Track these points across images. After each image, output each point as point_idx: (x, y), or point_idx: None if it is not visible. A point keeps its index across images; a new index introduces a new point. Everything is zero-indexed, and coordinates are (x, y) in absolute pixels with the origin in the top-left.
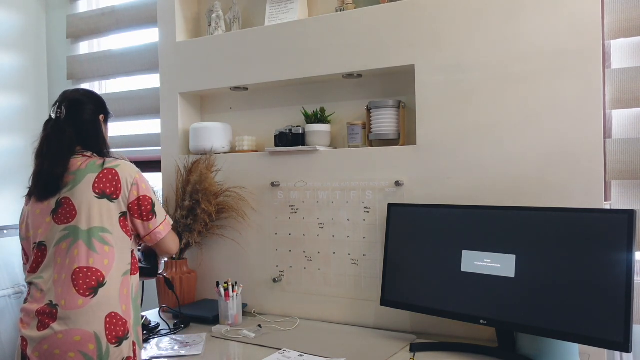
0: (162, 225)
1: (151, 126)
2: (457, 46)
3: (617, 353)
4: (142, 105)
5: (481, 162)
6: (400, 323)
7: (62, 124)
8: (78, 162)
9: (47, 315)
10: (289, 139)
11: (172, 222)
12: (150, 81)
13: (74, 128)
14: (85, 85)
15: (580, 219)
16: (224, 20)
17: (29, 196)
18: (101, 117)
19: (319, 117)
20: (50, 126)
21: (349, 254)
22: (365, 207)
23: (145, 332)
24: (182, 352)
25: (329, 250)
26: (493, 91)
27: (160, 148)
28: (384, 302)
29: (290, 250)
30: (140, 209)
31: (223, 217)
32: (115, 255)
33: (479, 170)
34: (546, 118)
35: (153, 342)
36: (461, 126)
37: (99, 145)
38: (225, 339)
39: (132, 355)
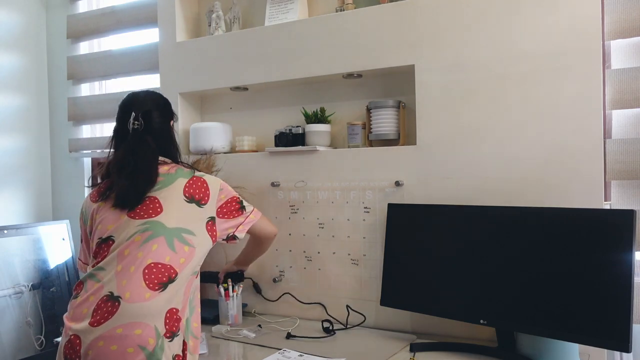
0: (252, 214)
1: None
2: (457, 46)
3: (617, 353)
4: None
5: (481, 162)
6: (400, 323)
7: (143, 135)
8: (165, 167)
9: (105, 309)
10: (289, 139)
11: (260, 213)
12: (150, 81)
13: (153, 138)
14: (85, 85)
15: (580, 219)
16: (224, 20)
17: (104, 195)
18: (172, 122)
19: (319, 117)
20: (130, 139)
21: (349, 254)
22: (365, 207)
23: None
24: None
25: (329, 250)
26: (493, 91)
27: None
28: (384, 302)
29: (290, 250)
30: (230, 209)
31: None
32: (194, 256)
33: (479, 170)
34: (546, 118)
35: None
36: (461, 126)
37: (175, 153)
38: (225, 339)
39: (181, 354)
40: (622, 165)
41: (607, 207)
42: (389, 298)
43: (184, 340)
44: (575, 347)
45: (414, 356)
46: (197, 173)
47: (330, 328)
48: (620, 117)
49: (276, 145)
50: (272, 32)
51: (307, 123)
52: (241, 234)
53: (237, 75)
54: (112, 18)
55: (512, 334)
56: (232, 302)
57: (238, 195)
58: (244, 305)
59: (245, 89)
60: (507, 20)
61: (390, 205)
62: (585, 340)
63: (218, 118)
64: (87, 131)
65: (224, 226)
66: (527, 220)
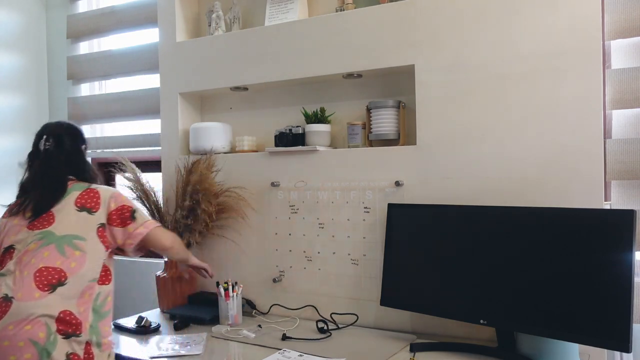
0: (141, 227)
1: (151, 126)
2: (457, 46)
3: (617, 353)
4: (142, 105)
5: (481, 162)
6: (400, 323)
7: (53, 154)
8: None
9: (0, 310)
10: (289, 139)
11: (156, 225)
12: (150, 81)
13: (64, 157)
14: (85, 85)
15: (580, 219)
16: (224, 20)
17: (12, 211)
18: (83, 146)
19: (319, 117)
20: (42, 157)
21: (349, 254)
22: (365, 207)
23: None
24: (182, 352)
25: (329, 250)
26: (493, 91)
27: (160, 148)
28: (384, 302)
29: (290, 250)
30: (120, 217)
31: (223, 217)
32: (85, 261)
33: (479, 170)
34: (546, 118)
35: (153, 341)
36: (461, 126)
37: (86, 174)
38: (225, 339)
39: (81, 355)
40: (622, 165)
41: (607, 207)
42: (389, 298)
43: (87, 342)
44: (575, 347)
45: (414, 356)
46: (93, 186)
47: (325, 328)
48: (620, 117)
49: (276, 145)
50: (272, 32)
51: (307, 123)
52: (129, 247)
53: (237, 75)
54: (112, 18)
55: (512, 334)
56: (232, 302)
57: (132, 206)
58: (249, 303)
59: (245, 89)
60: (507, 20)
61: (390, 205)
62: (585, 340)
63: (218, 118)
64: (87, 131)
65: (118, 235)
66: (527, 220)
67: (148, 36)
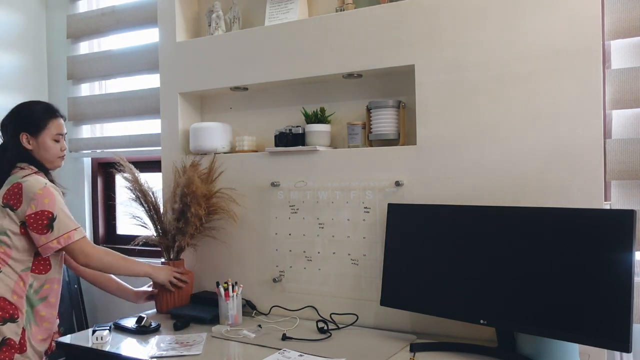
0: (55, 240)
1: (151, 126)
2: (457, 46)
3: (617, 353)
4: (142, 105)
5: (481, 162)
6: (400, 323)
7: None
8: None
9: None
10: (289, 139)
11: (76, 238)
12: (150, 81)
13: (3, 151)
14: (85, 85)
15: (580, 219)
16: (224, 20)
17: None
18: (22, 136)
19: (319, 117)
20: None
21: (349, 254)
22: (365, 207)
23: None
24: (182, 352)
25: (329, 250)
26: (493, 91)
27: (160, 148)
28: (384, 302)
29: (290, 250)
30: (37, 222)
31: (216, 218)
32: (11, 254)
33: (479, 170)
34: (546, 118)
35: (153, 341)
36: (461, 126)
37: (32, 163)
38: (225, 339)
39: (16, 340)
40: (622, 165)
41: (607, 207)
42: (389, 298)
43: (23, 328)
44: (575, 347)
45: (414, 356)
46: (20, 179)
47: (325, 328)
48: (620, 117)
49: (276, 145)
50: (272, 32)
51: (307, 123)
52: (46, 256)
53: (237, 75)
54: (112, 18)
55: (512, 334)
56: (232, 302)
57: (53, 212)
58: (250, 303)
59: (245, 89)
60: (507, 20)
61: (390, 205)
62: (585, 340)
63: (218, 118)
64: (87, 131)
65: (35, 240)
66: (527, 220)
67: (148, 36)
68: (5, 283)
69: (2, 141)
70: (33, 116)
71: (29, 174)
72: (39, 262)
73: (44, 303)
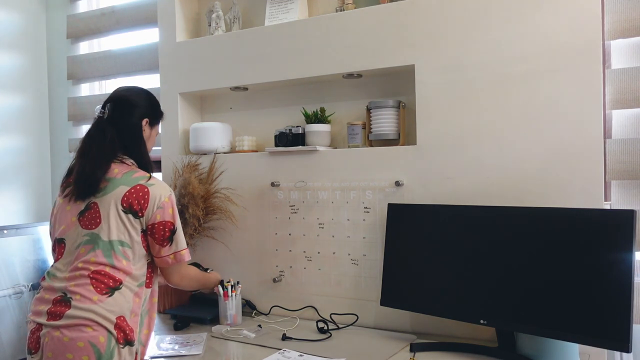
0: (172, 255)
1: None
2: (457, 46)
3: (617, 353)
4: None
5: (481, 162)
6: (400, 323)
7: (104, 125)
8: (116, 169)
9: (60, 305)
10: (289, 139)
11: (186, 260)
12: (150, 81)
13: (116, 131)
14: (85, 85)
15: (580, 219)
16: (224, 20)
17: (64, 190)
18: (144, 121)
19: (319, 117)
20: (93, 126)
21: (349, 254)
22: (365, 207)
23: None
24: (182, 352)
25: (329, 250)
26: (493, 91)
27: (160, 148)
28: (384, 302)
29: (290, 250)
30: (159, 233)
31: (215, 218)
32: (132, 269)
33: (479, 170)
34: (546, 118)
35: (153, 341)
36: (461, 126)
37: (138, 154)
38: (225, 339)
39: None
40: (622, 165)
41: (607, 207)
42: (389, 298)
43: (136, 351)
44: (575, 347)
45: (414, 356)
46: (143, 181)
47: (325, 328)
48: (620, 117)
49: (276, 145)
50: (272, 32)
51: (307, 123)
52: (159, 265)
53: (237, 75)
54: (112, 18)
55: (512, 334)
56: (231, 302)
57: (175, 223)
58: (250, 303)
59: (245, 89)
60: (507, 20)
61: (390, 205)
62: (585, 340)
63: (218, 118)
64: None
65: (153, 248)
66: (527, 221)
67: (148, 36)
68: (127, 299)
69: (109, 115)
70: (159, 104)
71: (149, 177)
72: (150, 275)
73: (147, 320)
